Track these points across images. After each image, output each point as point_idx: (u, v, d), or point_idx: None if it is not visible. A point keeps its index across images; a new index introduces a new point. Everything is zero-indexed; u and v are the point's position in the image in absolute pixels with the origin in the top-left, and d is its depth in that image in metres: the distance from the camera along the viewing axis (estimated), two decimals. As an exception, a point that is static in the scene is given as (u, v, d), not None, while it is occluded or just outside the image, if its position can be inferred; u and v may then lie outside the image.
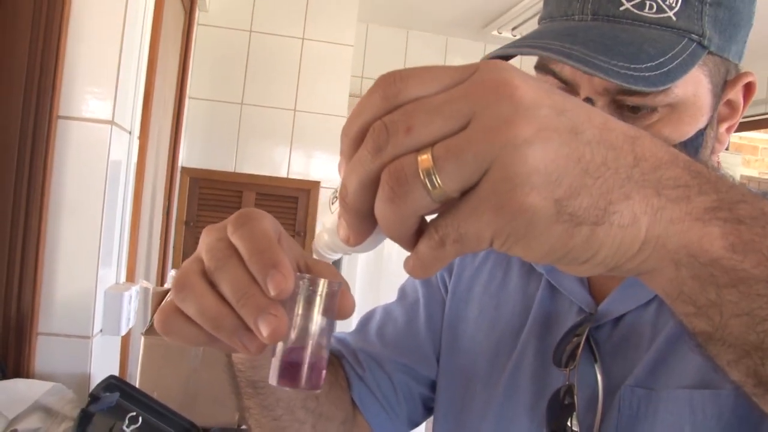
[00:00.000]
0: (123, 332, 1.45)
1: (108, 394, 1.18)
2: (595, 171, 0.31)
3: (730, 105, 0.64)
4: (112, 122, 1.33)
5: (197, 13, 3.19)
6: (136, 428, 1.20)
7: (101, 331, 1.38)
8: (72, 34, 1.31)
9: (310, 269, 0.43)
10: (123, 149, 1.45)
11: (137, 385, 1.49)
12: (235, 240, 0.41)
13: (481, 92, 0.31)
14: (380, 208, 0.32)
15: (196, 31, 3.23)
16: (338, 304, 0.42)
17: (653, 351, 0.60)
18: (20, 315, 1.26)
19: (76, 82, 1.31)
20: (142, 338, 1.96)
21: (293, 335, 0.40)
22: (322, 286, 0.41)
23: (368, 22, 4.07)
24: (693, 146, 0.59)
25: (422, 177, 0.31)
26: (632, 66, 0.51)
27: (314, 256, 0.44)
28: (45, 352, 1.29)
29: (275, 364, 0.41)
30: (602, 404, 0.60)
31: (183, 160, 3.22)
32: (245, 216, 0.42)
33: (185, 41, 3.03)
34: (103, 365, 1.40)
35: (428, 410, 0.78)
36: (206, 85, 3.35)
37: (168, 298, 0.43)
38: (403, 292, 0.82)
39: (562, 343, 0.64)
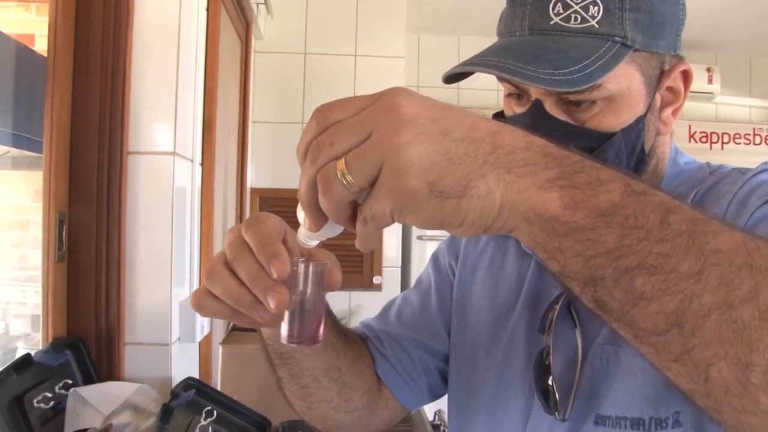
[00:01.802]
0: (198, 339, 1.62)
1: (186, 392, 1.34)
2: (458, 160, 0.42)
3: (672, 91, 0.72)
4: (174, 153, 1.50)
5: (253, 42, 3.38)
6: (212, 421, 1.35)
7: (179, 339, 1.55)
8: (134, 78, 1.48)
9: (311, 255, 0.57)
10: (186, 176, 1.62)
11: (219, 389, 1.65)
12: (247, 238, 0.55)
13: (378, 113, 0.43)
14: (321, 201, 0.45)
15: (254, 59, 3.42)
16: (327, 279, 0.56)
17: None
18: (109, 328, 1.44)
19: (141, 121, 1.48)
20: (220, 348, 2.14)
21: (294, 305, 0.54)
22: (313, 266, 0.55)
23: (419, 32, 4.17)
24: (635, 131, 0.68)
25: (340, 176, 0.43)
26: (558, 71, 0.61)
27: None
28: (131, 359, 1.46)
29: (283, 327, 0.55)
30: (581, 362, 0.70)
31: (251, 181, 3.41)
32: (254, 219, 0.56)
33: (244, 69, 3.21)
34: (182, 369, 1.57)
35: (446, 382, 0.89)
36: (268, 109, 3.52)
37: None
38: (419, 280, 0.94)
39: (546, 312, 0.74)
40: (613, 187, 0.42)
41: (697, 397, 0.40)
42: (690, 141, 4.39)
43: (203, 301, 0.57)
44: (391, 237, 3.62)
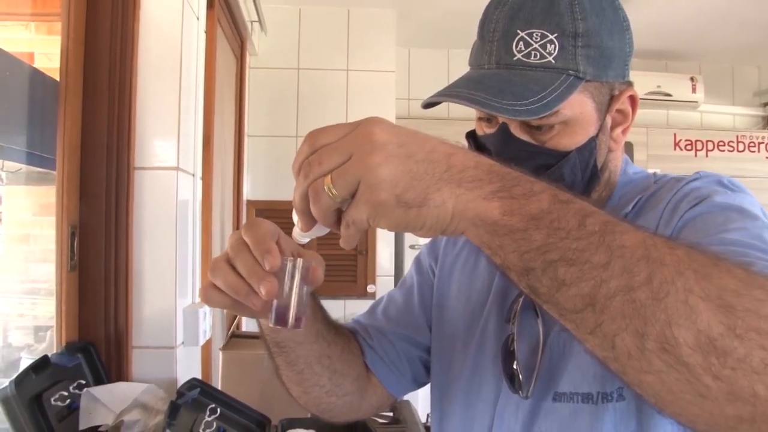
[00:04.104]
0: (201, 343, 1.71)
1: (190, 391, 1.44)
2: (419, 177, 0.53)
3: (621, 113, 0.83)
4: (177, 168, 1.60)
5: (248, 58, 3.48)
6: (216, 418, 1.45)
7: (183, 342, 1.64)
8: (140, 98, 1.58)
9: (301, 255, 0.67)
10: (188, 190, 1.72)
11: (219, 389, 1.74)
12: (246, 238, 0.66)
13: (356, 139, 0.54)
14: (312, 209, 0.57)
15: (249, 74, 3.51)
16: (311, 275, 0.66)
17: None
18: (117, 332, 1.53)
19: (146, 138, 1.58)
20: (221, 353, 2.24)
21: (282, 294, 0.64)
22: (300, 263, 0.65)
23: (409, 47, 4.27)
24: (588, 149, 0.79)
25: (327, 190, 0.55)
26: (519, 102, 0.72)
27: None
28: (139, 361, 1.54)
29: (272, 312, 0.65)
30: (541, 349, 0.80)
31: (247, 193, 3.49)
32: (252, 223, 0.67)
33: (239, 85, 3.30)
34: (186, 370, 1.66)
35: (428, 371, 0.99)
36: (263, 123, 3.60)
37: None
38: (403, 280, 1.05)
39: (511, 305, 0.84)
40: (543, 197, 0.53)
41: (609, 362, 0.50)
42: (675, 149, 4.52)
43: (208, 292, 0.67)
44: (385, 247, 3.71)
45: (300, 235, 0.63)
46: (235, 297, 0.66)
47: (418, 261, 1.05)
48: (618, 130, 0.84)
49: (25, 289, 2.09)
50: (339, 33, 3.68)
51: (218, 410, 1.47)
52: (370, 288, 3.73)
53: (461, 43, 4.18)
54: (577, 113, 0.77)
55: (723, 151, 4.57)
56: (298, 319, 0.65)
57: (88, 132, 1.55)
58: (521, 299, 0.82)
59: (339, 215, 0.57)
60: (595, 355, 0.51)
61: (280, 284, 0.63)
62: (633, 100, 0.83)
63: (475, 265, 0.95)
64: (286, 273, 0.64)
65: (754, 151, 4.58)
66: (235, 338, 2.50)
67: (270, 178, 3.58)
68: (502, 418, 0.82)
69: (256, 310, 0.66)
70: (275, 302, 0.64)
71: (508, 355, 0.81)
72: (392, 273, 3.76)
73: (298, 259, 0.65)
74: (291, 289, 0.64)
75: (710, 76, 4.54)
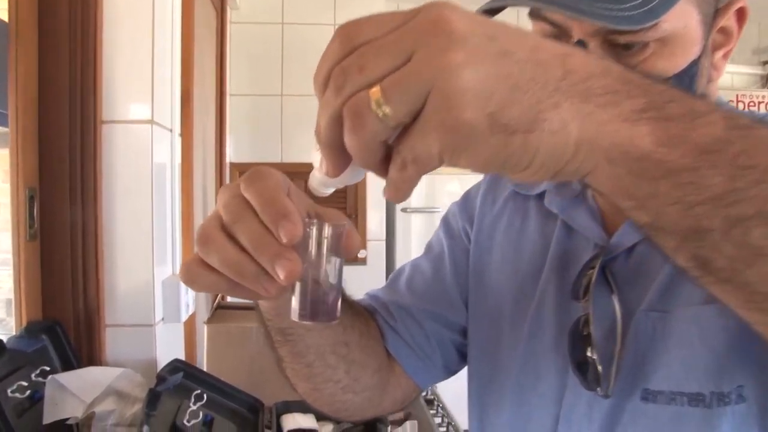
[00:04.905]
0: (183, 319, 1.53)
1: (173, 375, 1.26)
2: (524, 86, 0.34)
3: (724, 32, 0.65)
4: (152, 121, 1.40)
5: (228, 12, 3.26)
6: (202, 405, 1.27)
7: (162, 319, 1.47)
8: (106, 43, 1.38)
9: (320, 216, 0.48)
10: (166, 147, 1.52)
11: (206, 371, 1.57)
12: (248, 195, 0.45)
13: (421, 30, 0.35)
14: (347, 139, 0.37)
15: (230, 30, 3.31)
16: (344, 244, 0.46)
17: (663, 275, 0.62)
18: (88, 310, 1.35)
19: (115, 88, 1.38)
20: (205, 327, 2.06)
21: (307, 275, 0.45)
22: (328, 229, 0.46)
23: (398, 1, 4.07)
24: (688, 76, 0.60)
25: (374, 107, 0.35)
26: (615, 7, 0.53)
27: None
28: (113, 342, 1.38)
29: (294, 301, 0.46)
30: (621, 332, 0.63)
31: (231, 156, 3.31)
32: (255, 174, 0.46)
33: (220, 40, 3.11)
34: (168, 351, 1.49)
35: (462, 356, 0.82)
36: (245, 81, 3.43)
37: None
38: (429, 246, 0.86)
39: (579, 277, 0.67)
40: (714, 119, 0.35)
41: None
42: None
43: (195, 272, 0.47)
44: (375, 210, 3.55)
45: (322, 183, 0.44)
46: (236, 279, 0.46)
47: (446, 222, 0.86)
48: (719, 54, 0.65)
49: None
50: (325, -15, 3.48)
51: (204, 396, 1.29)
52: (360, 253, 3.56)
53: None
54: (680, 28, 0.58)
55: (722, 110, 4.44)
56: (331, 309, 0.46)
57: (46, 81, 1.35)
58: (595, 269, 0.64)
59: (386, 150, 0.38)
60: None
61: (302, 259, 0.44)
62: (741, 15, 0.64)
63: (523, 227, 0.77)
64: (311, 243, 0.45)
65: (754, 111, 4.44)
66: (220, 309, 2.33)
67: (254, 139, 3.43)
68: (569, 420, 0.65)
69: (269, 297, 0.47)
70: (298, 286, 0.45)
71: (578, 340, 0.64)
72: (383, 237, 3.59)
73: (325, 223, 0.46)
74: (319, 266, 0.45)
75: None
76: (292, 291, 0.46)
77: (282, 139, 3.43)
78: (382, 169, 0.39)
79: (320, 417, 1.48)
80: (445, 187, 3.69)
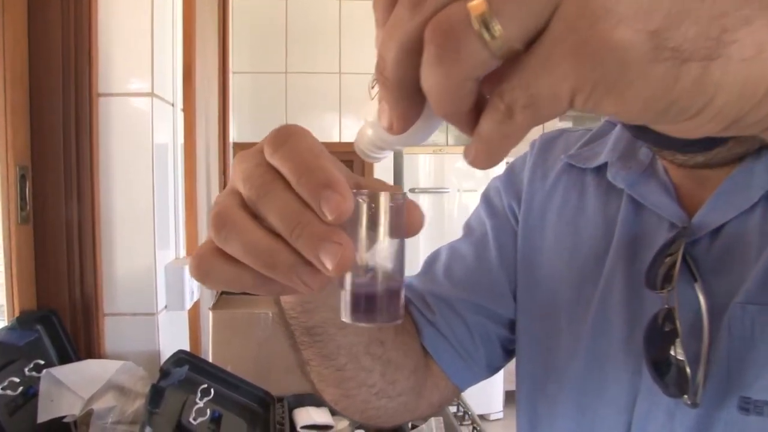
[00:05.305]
0: (188, 306, 1.45)
1: (178, 368, 1.17)
2: None
3: None
4: (152, 94, 1.31)
5: (231, -15, 3.16)
6: (209, 400, 1.18)
7: (166, 307, 1.39)
8: (102, 8, 1.29)
9: (363, 187, 0.36)
10: (167, 122, 1.42)
11: (210, 360, 1.48)
12: (276, 162, 0.34)
13: None
14: (428, 76, 0.26)
15: (232, 5, 3.21)
16: (406, 220, 0.36)
17: (764, 261, 0.51)
18: (85, 298, 1.27)
19: (113, 59, 1.30)
20: (210, 313, 1.97)
21: (361, 262, 0.35)
22: (385, 200, 0.35)
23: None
24: None
25: (476, 26, 0.24)
26: None
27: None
28: (113, 332, 1.31)
29: (346, 298, 0.35)
30: (708, 327, 0.53)
31: (234, 136, 3.23)
32: (284, 133, 0.35)
33: (222, 16, 3.01)
34: (172, 340, 1.41)
35: (508, 353, 0.72)
36: (248, 59, 3.34)
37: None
38: (468, 227, 0.75)
39: (655, 263, 0.56)
40: None
41: None
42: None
43: (210, 265, 0.36)
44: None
45: (376, 142, 0.34)
46: (265, 272, 0.34)
47: (488, 200, 0.75)
48: None
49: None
50: (331, -43, 3.38)
51: (212, 390, 1.20)
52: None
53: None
54: None
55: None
56: (393, 307, 0.35)
57: (38, 51, 1.27)
58: (677, 254, 0.54)
59: (479, 98, 0.28)
60: None
61: (353, 243, 0.33)
62: None
63: (580, 205, 0.67)
64: (362, 222, 0.34)
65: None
66: (225, 294, 2.24)
67: (257, 118, 3.36)
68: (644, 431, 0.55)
69: (308, 291, 0.35)
70: (348, 278, 0.35)
71: (657, 337, 0.54)
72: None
73: (381, 194, 0.34)
74: (374, 249, 0.34)
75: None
76: (341, 284, 0.35)
77: (287, 119, 3.34)
78: (472, 123, 0.28)
79: (335, 411, 1.39)
80: (455, 165, 3.57)
